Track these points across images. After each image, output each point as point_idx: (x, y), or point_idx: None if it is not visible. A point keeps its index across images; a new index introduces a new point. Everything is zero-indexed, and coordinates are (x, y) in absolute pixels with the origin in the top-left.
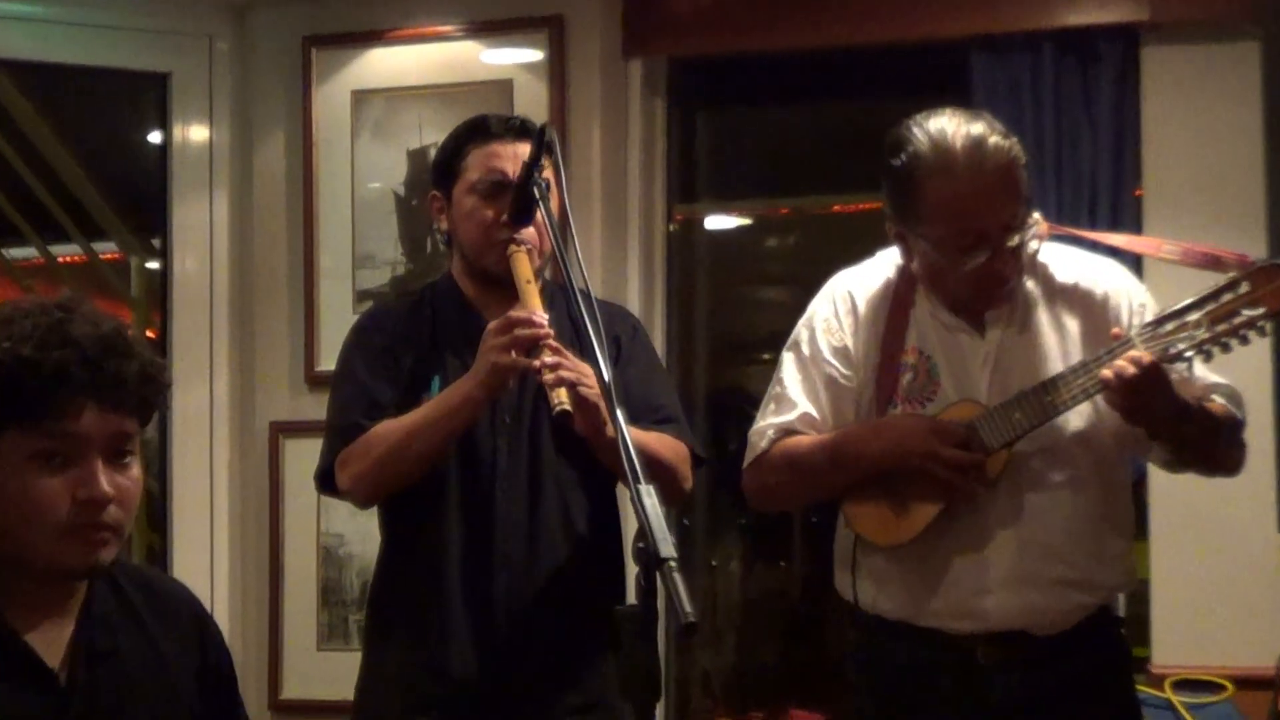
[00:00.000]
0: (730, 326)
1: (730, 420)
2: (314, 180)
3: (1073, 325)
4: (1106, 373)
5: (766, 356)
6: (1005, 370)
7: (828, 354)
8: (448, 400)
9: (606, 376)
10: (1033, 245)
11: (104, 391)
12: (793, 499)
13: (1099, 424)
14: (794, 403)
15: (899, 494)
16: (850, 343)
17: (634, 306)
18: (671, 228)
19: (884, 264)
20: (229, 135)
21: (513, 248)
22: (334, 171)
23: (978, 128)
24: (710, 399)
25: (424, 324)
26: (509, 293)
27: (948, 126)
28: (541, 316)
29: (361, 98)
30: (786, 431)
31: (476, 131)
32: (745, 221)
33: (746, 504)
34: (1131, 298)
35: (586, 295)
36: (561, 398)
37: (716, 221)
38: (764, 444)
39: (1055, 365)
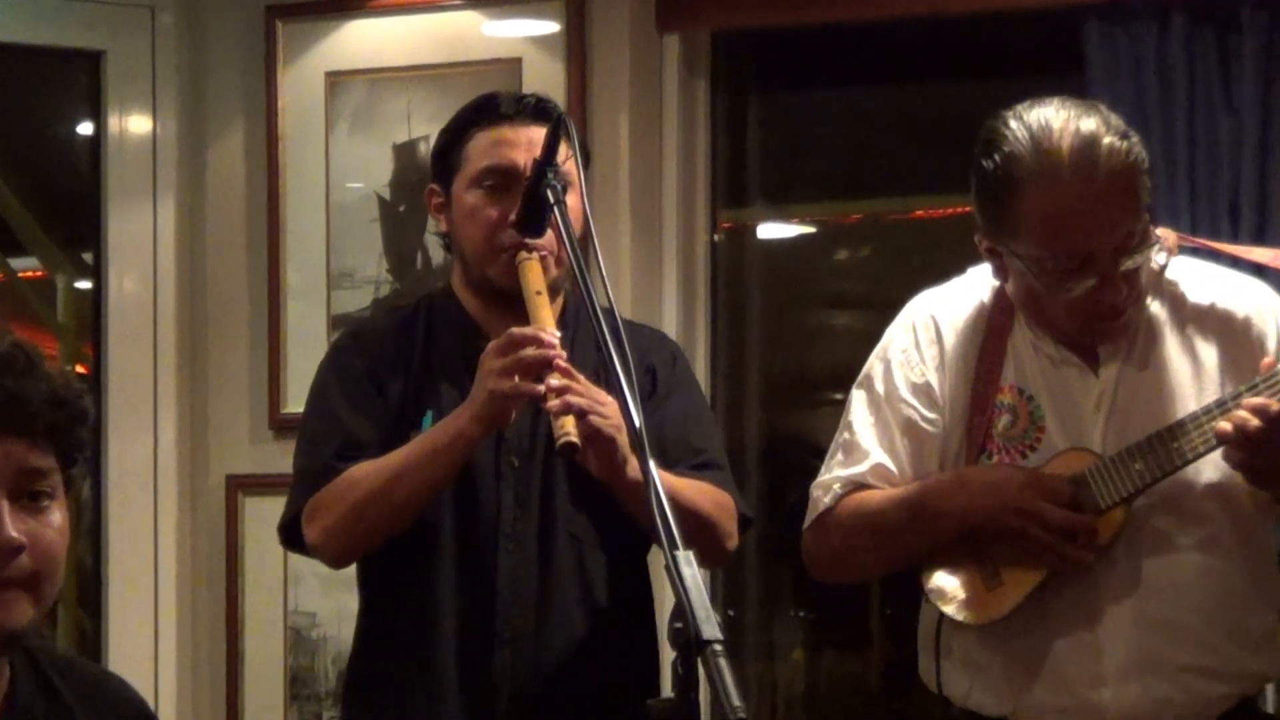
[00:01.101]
0: (789, 359)
1: (789, 476)
2: (280, 181)
3: (1208, 355)
4: (1224, 425)
5: (835, 396)
6: (1124, 412)
7: (906, 392)
8: (436, 437)
9: (637, 421)
10: (1159, 260)
11: (3, 414)
12: (863, 566)
13: (1238, 475)
14: (865, 451)
15: (991, 560)
16: (934, 379)
17: (671, 332)
18: (717, 238)
19: (976, 284)
20: (176, 127)
21: (522, 255)
22: (304, 171)
23: (1090, 124)
24: (765, 450)
25: (416, 346)
26: (519, 310)
27: (1054, 122)
28: (552, 334)
29: (338, 81)
30: (856, 485)
31: (482, 113)
32: (807, 230)
33: (805, 587)
34: None
35: (611, 317)
36: (567, 427)
37: (772, 230)
38: (829, 500)
39: (1186, 404)
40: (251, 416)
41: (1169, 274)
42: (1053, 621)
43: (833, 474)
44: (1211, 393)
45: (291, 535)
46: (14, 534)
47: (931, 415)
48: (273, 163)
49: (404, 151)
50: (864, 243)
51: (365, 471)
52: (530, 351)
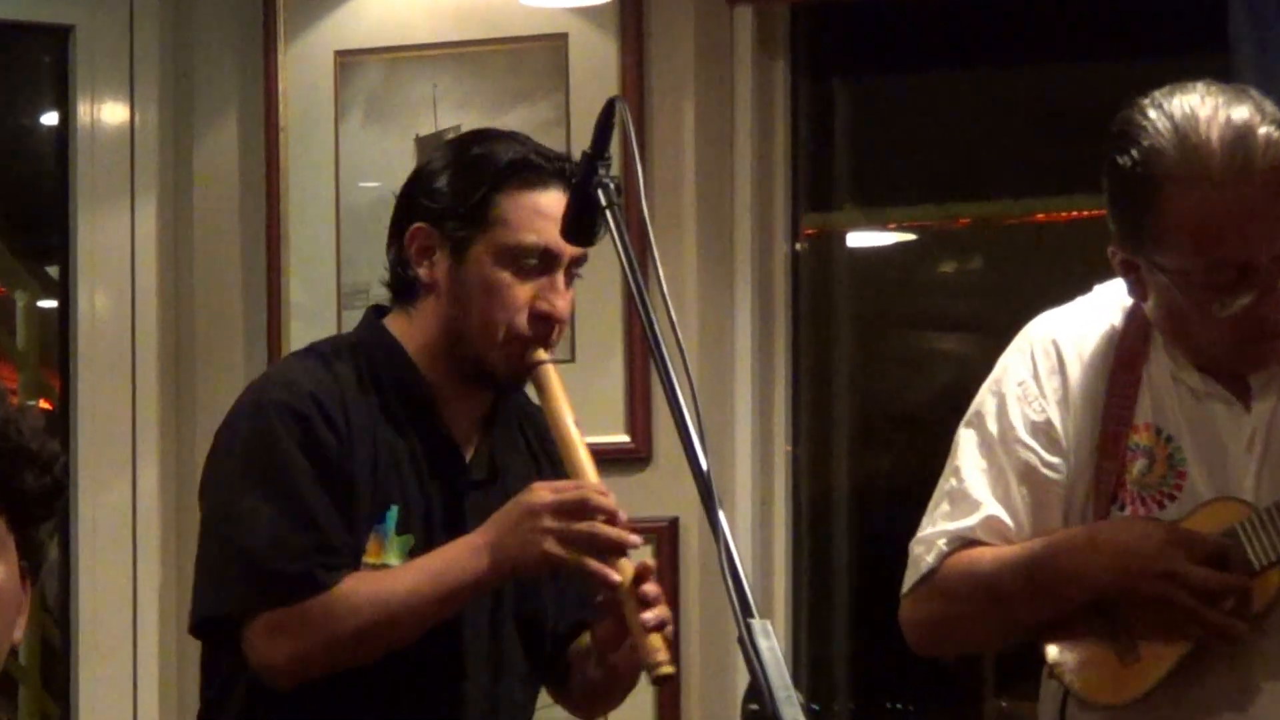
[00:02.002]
0: (885, 392)
1: (885, 530)
2: (281, 181)
3: None
4: None
5: (940, 436)
6: None
7: (1024, 432)
8: (449, 578)
9: (704, 464)
10: None
11: None
12: (971, 637)
13: None
14: (975, 501)
15: (1125, 631)
16: (1056, 416)
17: (745, 360)
18: (799, 248)
19: (1104, 304)
20: (158, 116)
21: (540, 354)
22: (310, 168)
23: (1242, 112)
24: (855, 501)
25: (374, 417)
26: (484, 392)
27: (1199, 111)
28: (614, 502)
29: (350, 62)
30: (964, 542)
31: (516, 170)
32: (906, 238)
33: (903, 674)
34: None
35: (661, 348)
36: (665, 654)
37: (864, 238)
38: (932, 559)
39: None
40: None
41: None
42: (1199, 702)
43: (937, 528)
44: None
45: (213, 634)
46: None
47: (1053, 459)
48: (272, 159)
49: (429, 145)
50: (974, 252)
51: (363, 598)
52: (608, 532)
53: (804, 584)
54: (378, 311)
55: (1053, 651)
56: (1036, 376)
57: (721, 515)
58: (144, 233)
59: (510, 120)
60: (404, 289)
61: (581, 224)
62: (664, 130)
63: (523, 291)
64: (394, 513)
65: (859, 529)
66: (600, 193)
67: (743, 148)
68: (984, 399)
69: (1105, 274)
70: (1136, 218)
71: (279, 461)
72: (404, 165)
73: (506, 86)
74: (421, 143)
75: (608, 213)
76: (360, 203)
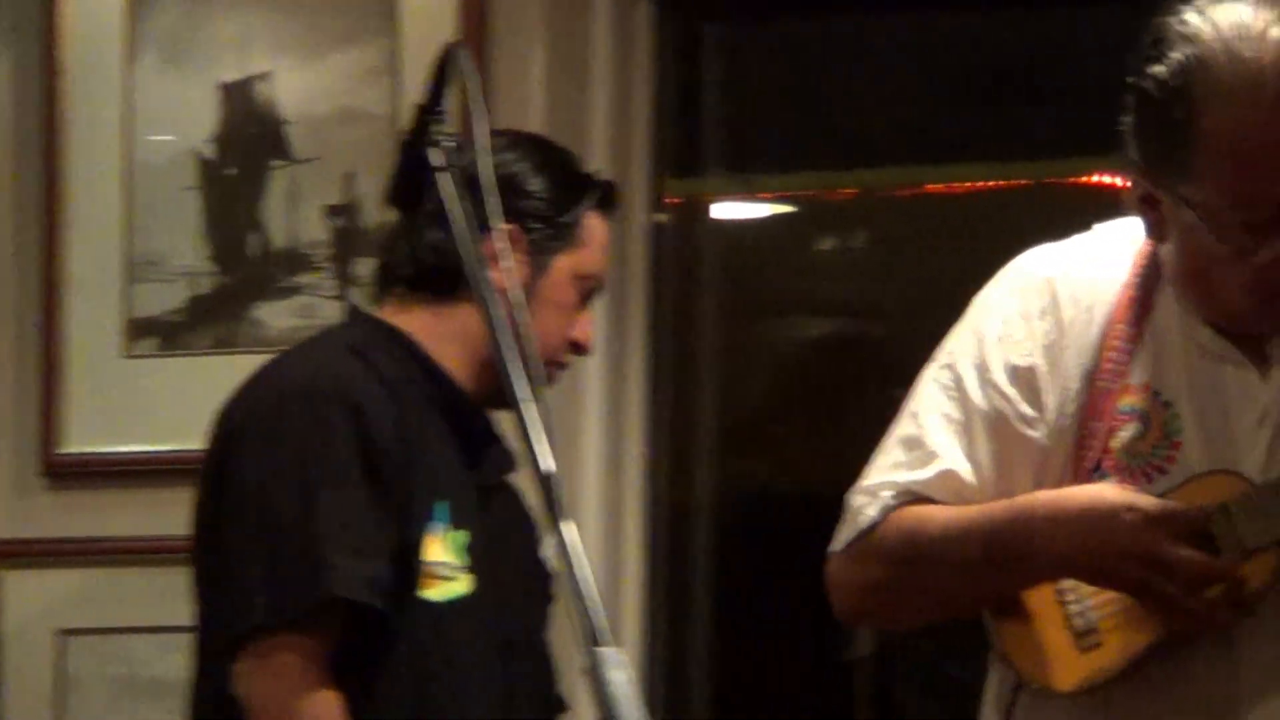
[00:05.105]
0: (756, 386)
1: (752, 545)
2: (60, 132)
3: None
4: None
5: (821, 438)
6: None
7: (1001, 376)
8: None
9: (547, 467)
10: None
11: None
12: (908, 609)
13: None
14: (931, 452)
15: (1085, 612)
16: (1042, 364)
17: (599, 347)
18: (660, 219)
19: (1109, 244)
20: None
21: None
22: (96, 118)
23: None
24: (719, 509)
25: (418, 413)
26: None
27: (1252, 24)
28: None
29: None
30: (913, 497)
31: (605, 194)
32: (781, 209)
33: (763, 693)
34: None
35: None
36: None
37: (733, 209)
38: (874, 512)
39: None
40: (15, 458)
41: None
42: (1171, 697)
43: (884, 478)
44: None
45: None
46: None
47: (1031, 412)
48: (50, 108)
49: (235, 94)
50: (858, 227)
51: None
52: None
53: (660, 607)
54: (358, 312)
55: (1001, 632)
56: (1025, 315)
57: (567, 526)
58: None
59: (330, 67)
60: (441, 282)
61: (410, 188)
62: (508, 81)
63: (578, 318)
64: (445, 508)
65: (723, 543)
66: (430, 152)
67: (598, 102)
68: (958, 336)
69: (1006, 251)
70: (1167, 140)
71: (340, 457)
72: (206, 117)
73: (326, 28)
74: (228, 91)
75: (441, 176)
76: (154, 159)
